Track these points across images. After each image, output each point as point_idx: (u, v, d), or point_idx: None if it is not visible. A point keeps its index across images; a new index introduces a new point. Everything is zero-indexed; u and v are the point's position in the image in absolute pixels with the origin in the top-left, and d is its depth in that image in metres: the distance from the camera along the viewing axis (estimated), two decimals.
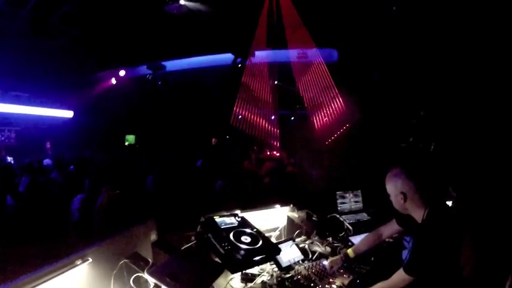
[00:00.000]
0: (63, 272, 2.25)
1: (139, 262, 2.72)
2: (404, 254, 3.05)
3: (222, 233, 3.15)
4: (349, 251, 3.56)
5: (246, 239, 3.17)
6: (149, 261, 2.76)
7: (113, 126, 18.28)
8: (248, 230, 3.33)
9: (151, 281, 2.55)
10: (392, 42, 10.92)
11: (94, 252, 2.54)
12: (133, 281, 2.59)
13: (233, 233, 3.17)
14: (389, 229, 3.49)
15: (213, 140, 19.26)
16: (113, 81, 17.25)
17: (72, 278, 2.34)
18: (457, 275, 2.91)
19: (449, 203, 4.50)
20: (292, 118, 17.11)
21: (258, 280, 3.27)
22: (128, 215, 5.45)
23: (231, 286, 3.17)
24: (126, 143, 19.73)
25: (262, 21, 13.43)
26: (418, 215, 2.84)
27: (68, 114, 18.11)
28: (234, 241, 3.07)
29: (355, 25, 11.47)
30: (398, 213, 3.07)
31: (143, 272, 2.59)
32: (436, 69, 10.30)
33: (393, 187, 2.90)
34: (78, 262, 2.38)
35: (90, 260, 2.46)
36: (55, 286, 2.19)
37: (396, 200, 2.90)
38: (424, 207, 2.81)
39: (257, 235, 3.30)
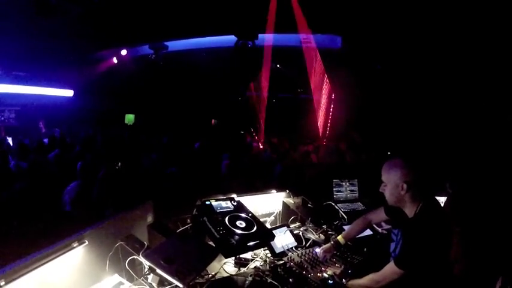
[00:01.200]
0: (60, 255, 2.29)
1: (135, 244, 2.76)
2: (392, 246, 3.09)
3: (217, 217, 3.20)
4: (340, 237, 3.58)
5: (241, 223, 3.22)
6: (144, 244, 2.81)
7: (113, 106, 18.24)
8: (243, 215, 3.38)
9: (146, 263, 2.58)
10: (397, 32, 10.90)
11: (90, 234, 2.58)
12: (128, 263, 2.63)
13: (228, 218, 3.22)
14: (378, 216, 3.51)
15: (213, 121, 19.31)
16: (115, 60, 17.18)
17: (69, 261, 2.38)
18: (448, 272, 2.94)
19: (443, 199, 4.50)
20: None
21: (251, 265, 3.27)
22: (127, 190, 5.46)
23: (224, 270, 3.17)
24: (126, 122, 19.68)
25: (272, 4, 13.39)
26: (411, 208, 2.86)
27: (68, 93, 17.93)
28: (229, 225, 3.12)
29: (360, 12, 11.43)
30: (388, 205, 3.05)
31: (138, 254, 2.63)
32: (436, 65, 10.32)
33: (393, 176, 2.86)
34: (75, 245, 2.42)
35: (87, 242, 2.50)
36: (53, 268, 2.23)
37: (395, 190, 2.86)
38: (418, 201, 2.83)
39: (252, 220, 3.34)
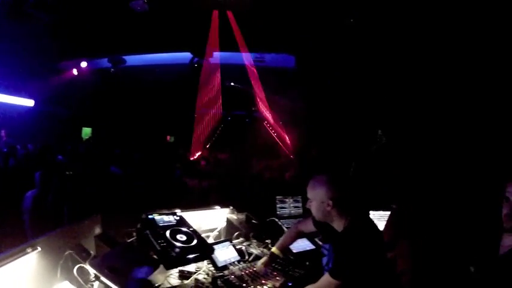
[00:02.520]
0: (13, 260, 2.40)
1: (82, 253, 2.90)
2: (324, 260, 3.22)
3: (159, 230, 3.37)
4: (274, 249, 3.69)
5: (181, 237, 3.40)
6: (91, 253, 2.96)
7: (72, 118, 18.12)
8: (184, 229, 3.55)
9: (92, 271, 2.73)
10: (349, 51, 11.32)
11: (43, 242, 2.71)
12: (76, 271, 2.75)
13: (170, 231, 3.39)
14: (307, 227, 3.55)
15: (168, 137, 19.41)
16: (75, 72, 17.14)
17: (23, 266, 2.50)
18: (391, 283, 3.09)
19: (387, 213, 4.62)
20: (247, 120, 17.42)
21: (194, 278, 3.38)
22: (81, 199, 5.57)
23: (169, 282, 3.26)
24: (83, 136, 19.58)
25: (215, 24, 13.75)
26: (339, 223, 2.95)
27: (29, 103, 17.62)
28: (170, 239, 3.29)
29: (313, 33, 11.81)
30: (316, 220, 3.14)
31: (85, 263, 2.78)
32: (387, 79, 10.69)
33: (319, 193, 2.95)
34: (29, 250, 2.54)
35: (39, 249, 2.62)
36: (5, 274, 2.34)
37: (321, 206, 2.94)
38: (346, 216, 2.92)
39: (192, 234, 3.52)
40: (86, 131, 19.79)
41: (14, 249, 2.48)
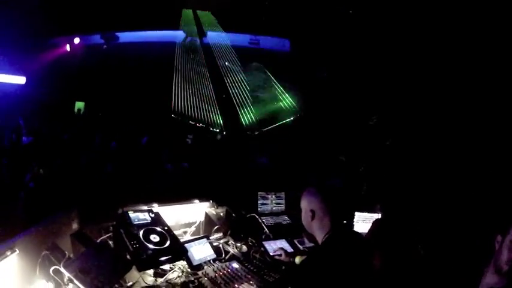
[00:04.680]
0: None
1: (57, 254, 2.93)
2: None
3: (133, 229, 3.39)
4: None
5: (154, 238, 3.40)
6: (65, 254, 2.99)
7: (64, 95, 18.00)
8: (159, 229, 3.55)
9: (66, 274, 2.75)
10: (345, 40, 11.26)
11: (20, 243, 2.74)
12: (53, 272, 2.78)
13: (143, 231, 3.40)
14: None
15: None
16: (68, 48, 17.04)
17: (3, 269, 2.53)
18: None
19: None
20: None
21: (169, 276, 3.41)
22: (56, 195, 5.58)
23: (143, 280, 3.28)
24: (76, 109, 19.45)
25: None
26: (319, 236, 2.95)
27: (20, 80, 17.22)
28: (143, 240, 3.31)
29: (310, 18, 11.74)
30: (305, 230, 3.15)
31: (60, 264, 2.79)
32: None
33: (305, 203, 3.02)
34: (8, 253, 2.58)
35: (18, 251, 2.66)
36: None
37: (305, 216, 3.01)
38: (327, 230, 2.91)
39: (166, 235, 3.52)
40: (79, 105, 19.61)
41: None
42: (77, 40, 16.75)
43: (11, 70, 16.29)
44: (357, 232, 3.25)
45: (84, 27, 15.70)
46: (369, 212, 4.91)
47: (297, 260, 3.83)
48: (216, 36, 15.51)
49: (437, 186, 7.30)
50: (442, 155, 8.44)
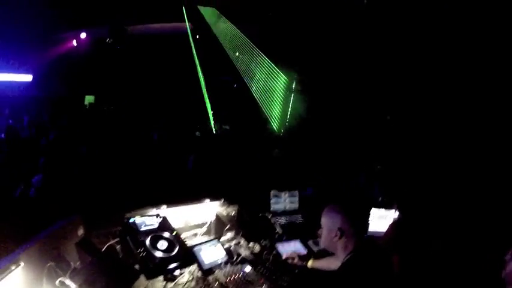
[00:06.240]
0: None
1: (62, 265, 2.84)
2: None
3: (139, 237, 3.28)
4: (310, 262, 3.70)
5: (162, 245, 3.30)
6: (71, 265, 2.90)
7: (73, 90, 17.95)
8: (166, 235, 3.45)
9: (72, 286, 2.68)
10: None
11: (24, 255, 2.62)
12: (59, 284, 2.70)
13: (150, 238, 3.30)
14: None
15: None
16: (74, 43, 17.03)
17: (9, 284, 2.44)
18: None
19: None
20: (235, 85, 16.70)
21: (179, 280, 3.29)
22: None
23: (152, 285, 3.16)
24: (86, 103, 19.44)
25: None
26: (341, 256, 2.88)
27: (27, 78, 17.41)
28: (150, 247, 3.21)
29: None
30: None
31: (65, 276, 2.72)
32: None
33: (329, 221, 2.92)
34: (13, 267, 2.48)
35: (22, 264, 2.55)
36: None
37: (329, 235, 2.91)
38: (350, 250, 2.84)
39: (174, 241, 3.41)
40: (89, 98, 19.62)
41: None
42: (83, 35, 16.70)
43: (18, 69, 16.27)
44: (377, 247, 3.05)
45: (92, 21, 15.60)
46: (386, 208, 4.75)
47: (310, 264, 3.71)
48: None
49: (456, 184, 7.13)
50: (458, 153, 8.26)
